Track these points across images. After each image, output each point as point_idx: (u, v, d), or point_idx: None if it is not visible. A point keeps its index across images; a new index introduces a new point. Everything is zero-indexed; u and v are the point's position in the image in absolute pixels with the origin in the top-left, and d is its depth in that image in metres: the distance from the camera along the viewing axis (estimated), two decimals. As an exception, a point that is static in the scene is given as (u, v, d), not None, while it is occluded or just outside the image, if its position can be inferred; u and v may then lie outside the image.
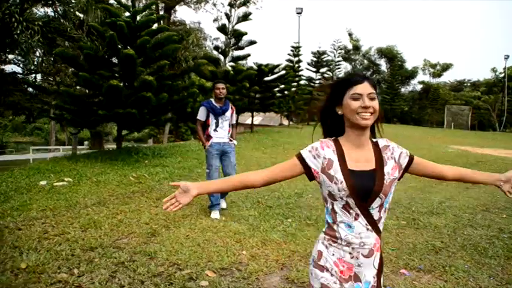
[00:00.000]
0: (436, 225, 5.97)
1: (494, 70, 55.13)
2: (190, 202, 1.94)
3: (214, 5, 35.34)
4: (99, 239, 4.89)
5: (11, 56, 18.10)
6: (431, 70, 56.76)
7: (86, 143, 36.07)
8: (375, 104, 1.83)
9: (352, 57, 59.90)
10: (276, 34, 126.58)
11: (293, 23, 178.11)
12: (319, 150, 1.88)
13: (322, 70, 35.65)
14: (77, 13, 13.11)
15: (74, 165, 9.56)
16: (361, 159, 1.86)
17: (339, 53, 41.92)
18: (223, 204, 6.62)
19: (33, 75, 18.43)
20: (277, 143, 16.66)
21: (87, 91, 11.19)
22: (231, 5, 18.91)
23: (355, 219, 1.82)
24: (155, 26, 11.99)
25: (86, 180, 8.19)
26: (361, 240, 1.82)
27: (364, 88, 1.82)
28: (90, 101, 10.77)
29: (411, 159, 1.97)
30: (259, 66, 20.67)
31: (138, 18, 11.27)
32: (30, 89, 17.43)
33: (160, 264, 4.24)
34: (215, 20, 19.29)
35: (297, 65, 29.62)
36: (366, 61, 60.65)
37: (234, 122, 6.72)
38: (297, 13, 37.87)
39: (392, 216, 6.39)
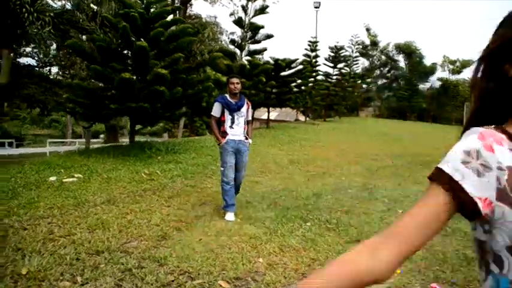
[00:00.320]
0: (465, 232, 5.54)
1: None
2: None
3: (231, -1, 35.02)
4: (106, 242, 4.60)
5: (28, 49, 18.10)
6: (451, 67, 55.63)
7: (101, 136, 36.04)
8: None
9: (370, 52, 59.05)
10: (292, 29, 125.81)
11: (310, 18, 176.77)
12: (486, 155, 0.91)
13: (340, 65, 35.07)
14: (91, 5, 12.85)
15: (85, 161, 9.31)
16: None
17: (357, 49, 41.22)
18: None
19: (48, 68, 18.32)
20: (293, 139, 16.28)
21: (100, 84, 10.89)
22: (247, -3, 18.53)
23: None
24: (170, 17, 11.63)
25: (96, 177, 7.92)
26: None
27: None
28: (103, 94, 10.51)
29: None
30: (276, 60, 20.29)
31: (152, 9, 10.96)
32: (45, 82, 17.27)
33: (170, 271, 3.92)
34: (231, 14, 18.86)
35: (314, 60, 29.14)
36: (383, 57, 59.75)
37: (249, 118, 6.40)
38: (315, 7, 37.32)
39: (417, 220, 6.00)
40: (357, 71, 40.18)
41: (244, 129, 6.20)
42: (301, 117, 37.39)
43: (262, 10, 18.49)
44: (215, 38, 29.35)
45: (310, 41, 29.41)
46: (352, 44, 39.29)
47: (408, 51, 56.35)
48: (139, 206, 6.13)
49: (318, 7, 37.26)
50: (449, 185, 0.91)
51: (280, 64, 20.16)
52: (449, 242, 5.16)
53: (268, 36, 18.92)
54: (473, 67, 1.05)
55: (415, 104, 50.94)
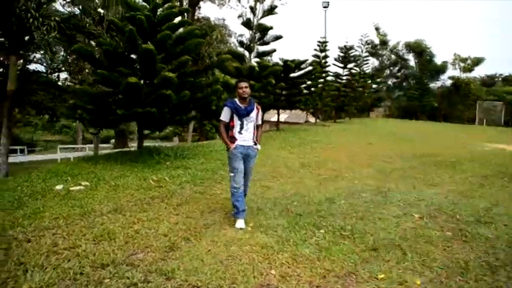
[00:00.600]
0: (486, 238, 5.30)
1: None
2: None
3: (239, 0, 34.92)
4: (112, 254, 4.42)
5: (38, 56, 18.06)
6: (462, 65, 54.97)
7: (112, 141, 36.09)
8: None
9: (380, 52, 58.69)
10: (301, 29, 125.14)
11: (319, 18, 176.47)
12: None
13: (350, 66, 34.76)
14: (98, 9, 12.72)
15: (92, 168, 9.16)
16: None
17: (366, 48, 40.89)
18: None
19: (56, 74, 18.25)
20: (304, 142, 16.04)
21: (107, 89, 10.73)
22: (255, -2, 18.30)
23: None
24: (177, 20, 11.44)
25: (103, 184, 7.76)
26: None
27: None
28: (109, 99, 10.34)
29: None
30: (285, 62, 20.12)
31: (159, 12, 10.79)
32: (53, 89, 17.22)
33: (178, 285, 3.75)
34: (240, 16, 18.66)
35: (323, 61, 28.89)
36: (393, 56, 59.35)
37: (259, 122, 6.18)
38: (324, 7, 37.16)
39: (436, 226, 5.76)
40: (367, 71, 39.82)
41: (254, 134, 6.00)
42: (311, 119, 37.16)
43: (270, 11, 18.26)
44: (224, 41, 29.27)
45: (319, 41, 29.17)
46: (362, 44, 39.02)
47: (418, 49, 55.90)
48: (147, 215, 5.94)
49: (327, 7, 37.11)
50: None
51: (290, 65, 19.98)
52: (470, 248, 4.91)
53: (277, 37, 18.68)
54: None
55: (426, 103, 50.40)
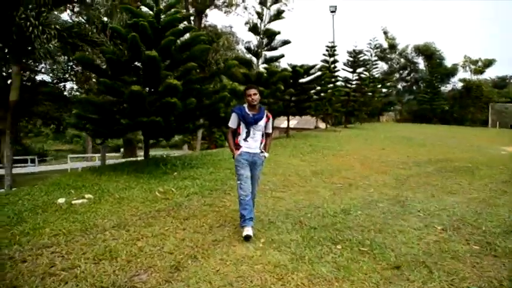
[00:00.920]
0: (518, 252, 4.88)
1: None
2: None
3: (246, 8, 34.80)
4: (112, 275, 4.10)
5: (46, 66, 17.91)
6: (473, 67, 54.39)
7: (122, 150, 35.91)
8: None
9: (388, 56, 58.30)
10: (309, 35, 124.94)
11: (327, 22, 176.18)
12: None
13: (359, 70, 34.32)
14: (102, 17, 12.48)
15: (97, 179, 8.86)
16: None
17: (375, 52, 40.45)
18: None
19: (62, 84, 18.08)
20: (315, 149, 15.63)
21: (111, 98, 10.43)
22: (262, 3, 17.97)
23: None
24: (182, 25, 11.13)
25: (107, 197, 7.43)
26: None
27: None
28: (114, 109, 10.03)
29: None
30: (294, 67, 19.75)
31: (163, 18, 10.49)
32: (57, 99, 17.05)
33: (183, 313, 3.38)
34: (247, 23, 18.33)
35: (332, 66, 28.51)
36: (402, 60, 59.01)
37: (269, 131, 5.87)
38: (331, 11, 36.81)
39: (461, 239, 5.35)
40: (376, 75, 39.35)
41: (261, 142, 5.71)
42: (321, 125, 36.75)
43: (277, 15, 17.93)
44: (231, 47, 29.02)
45: (327, 46, 28.80)
46: (371, 48, 38.54)
47: (428, 53, 55.52)
48: (152, 230, 5.59)
49: (334, 11, 36.77)
50: None
51: (299, 71, 19.61)
52: (501, 265, 4.51)
53: (285, 42, 18.33)
54: None
55: (437, 106, 49.81)
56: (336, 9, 36.94)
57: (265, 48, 18.48)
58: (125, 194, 7.62)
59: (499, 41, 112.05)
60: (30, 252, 4.75)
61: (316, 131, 28.49)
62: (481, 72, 54.48)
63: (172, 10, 10.85)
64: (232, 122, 5.66)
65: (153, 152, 21.75)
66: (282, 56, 18.95)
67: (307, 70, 20.71)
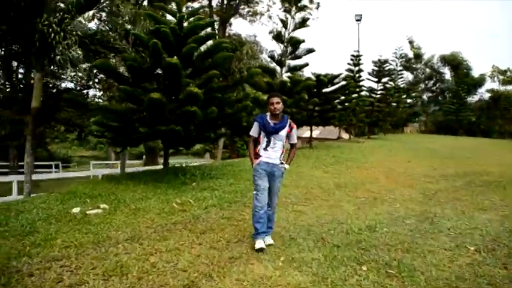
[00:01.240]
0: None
1: None
2: None
3: (270, 17, 34.70)
4: (121, 294, 3.83)
5: (70, 73, 18.05)
6: (501, 77, 53.07)
7: (144, 157, 35.97)
8: None
9: (414, 66, 57.53)
10: (333, 44, 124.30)
11: (351, 31, 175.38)
12: None
13: (384, 80, 33.82)
14: (125, 24, 12.40)
15: (114, 188, 8.68)
16: None
17: (401, 62, 39.86)
18: (269, 240, 5.46)
19: (86, 90, 18.15)
20: (339, 160, 15.26)
21: (131, 106, 10.28)
22: (286, 11, 17.76)
23: None
24: (204, 32, 10.94)
25: (123, 208, 7.22)
26: None
27: None
28: (134, 117, 9.86)
29: None
30: (318, 76, 19.46)
31: (185, 25, 10.31)
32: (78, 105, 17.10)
33: None
34: (271, 32, 18.09)
35: (357, 75, 28.08)
36: (428, 70, 58.16)
37: (293, 141, 5.65)
38: (356, 20, 36.42)
39: (497, 262, 4.94)
40: (402, 85, 38.73)
41: (282, 153, 5.46)
42: (344, 135, 36.29)
43: (302, 23, 17.69)
44: (254, 56, 28.85)
45: (353, 55, 28.39)
46: (396, 57, 37.97)
47: (454, 62, 54.64)
48: (167, 244, 5.34)
49: (360, 20, 36.36)
50: None
51: (323, 80, 19.31)
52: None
53: (310, 51, 18.05)
54: None
55: (463, 117, 48.73)
56: (361, 17, 36.56)
57: (289, 57, 18.25)
58: (141, 205, 7.40)
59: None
60: (39, 266, 4.56)
61: (339, 142, 28.08)
62: (510, 82, 53.12)
63: (195, 17, 10.65)
64: (254, 131, 5.49)
65: (174, 160, 21.66)
66: (306, 64, 18.67)
67: (331, 79, 20.40)
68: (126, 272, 4.39)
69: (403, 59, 43.37)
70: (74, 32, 10.20)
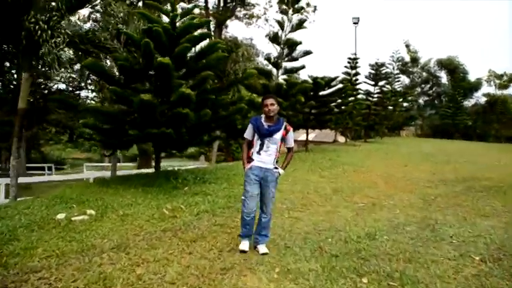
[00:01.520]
0: None
1: None
2: None
3: (267, 20, 34.41)
4: (101, 311, 3.52)
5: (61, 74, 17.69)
6: (497, 81, 53.15)
7: (138, 159, 35.61)
8: None
9: (410, 69, 57.50)
10: (329, 47, 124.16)
11: (348, 34, 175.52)
12: None
13: (381, 83, 33.65)
14: (117, 24, 12.06)
15: (102, 193, 8.36)
16: None
17: (398, 65, 39.73)
18: (264, 249, 5.18)
19: (77, 92, 17.82)
20: (335, 164, 14.98)
21: (123, 108, 9.96)
22: (283, 12, 17.50)
23: None
24: (198, 33, 10.62)
25: (110, 214, 6.89)
26: None
27: None
28: (127, 119, 9.52)
29: None
30: (315, 79, 19.21)
31: (178, 24, 9.99)
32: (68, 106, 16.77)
33: None
34: (267, 35, 17.83)
35: (354, 78, 27.91)
36: (424, 73, 58.18)
37: (290, 145, 5.41)
38: (354, 23, 36.19)
39: (505, 274, 4.63)
40: (398, 89, 38.59)
41: (276, 157, 5.22)
42: (340, 138, 36.09)
43: (299, 25, 17.45)
44: (250, 59, 28.57)
45: (350, 58, 28.27)
46: (393, 61, 37.83)
47: (451, 67, 54.72)
48: (155, 254, 5.02)
49: (357, 23, 36.15)
50: None
51: (320, 83, 19.06)
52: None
53: (307, 53, 17.79)
54: None
55: (460, 121, 48.71)
56: (358, 21, 36.34)
57: (286, 59, 18.02)
58: (129, 211, 7.08)
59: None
60: (15, 278, 4.24)
61: (335, 145, 27.83)
62: (506, 87, 53.19)
63: (189, 16, 10.33)
64: (248, 133, 5.29)
65: (168, 163, 21.32)
66: (303, 67, 18.44)
67: (328, 82, 20.18)
68: (109, 285, 4.09)
69: (400, 63, 43.22)
70: (63, 31, 9.87)
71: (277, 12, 18.15)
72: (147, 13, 9.89)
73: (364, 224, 6.80)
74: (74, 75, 18.19)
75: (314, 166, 14.01)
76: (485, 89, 55.63)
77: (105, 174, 17.29)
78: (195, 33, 10.28)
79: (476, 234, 6.27)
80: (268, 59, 18.15)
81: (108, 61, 13.39)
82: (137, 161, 34.37)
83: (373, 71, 33.08)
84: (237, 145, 30.04)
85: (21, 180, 18.22)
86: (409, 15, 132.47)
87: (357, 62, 28.13)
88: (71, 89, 17.59)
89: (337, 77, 21.29)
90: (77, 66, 15.94)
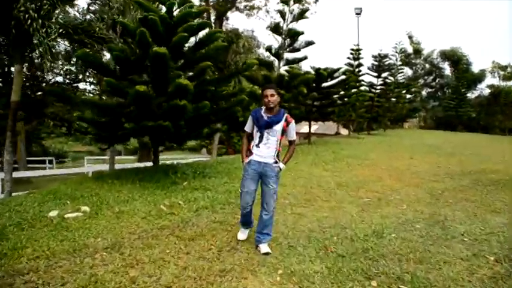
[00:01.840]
0: None
1: None
2: None
3: (268, 11, 33.99)
4: (90, 319, 3.24)
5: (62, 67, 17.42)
6: (502, 73, 52.50)
7: (138, 152, 35.35)
8: None
9: (413, 61, 56.97)
10: (332, 38, 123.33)
11: (350, 25, 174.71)
12: None
13: (384, 75, 33.24)
14: (113, 14, 11.71)
15: (98, 188, 8.07)
16: None
17: (401, 56, 39.24)
18: (266, 248, 4.91)
19: (75, 84, 17.50)
20: (338, 157, 14.65)
21: (120, 100, 9.64)
22: (284, 1, 17.08)
23: None
24: (197, 21, 10.26)
25: (105, 210, 6.61)
26: None
27: None
28: (124, 111, 9.18)
29: None
30: (317, 70, 18.81)
31: (175, 13, 9.63)
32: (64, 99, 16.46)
33: None
34: (269, 26, 17.47)
35: (357, 69, 27.53)
36: (427, 65, 57.59)
37: (292, 137, 5.09)
38: (356, 14, 35.76)
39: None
40: (401, 81, 38.16)
41: (277, 150, 4.93)
42: (342, 131, 35.75)
43: (301, 15, 17.06)
44: (251, 50, 28.21)
45: (352, 49, 27.83)
46: (396, 52, 37.32)
47: (454, 58, 54.12)
48: (150, 254, 4.74)
49: (360, 14, 35.72)
50: None
51: (322, 74, 18.66)
52: None
53: (309, 43, 17.40)
54: None
55: (463, 113, 48.23)
56: (361, 11, 35.91)
57: (288, 50, 17.65)
58: (125, 207, 6.79)
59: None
60: (0, 281, 3.95)
61: (337, 137, 27.52)
62: (510, 78, 52.55)
63: (187, 4, 9.96)
64: (248, 126, 5.08)
65: (169, 156, 21.00)
66: (305, 57, 18.03)
67: (331, 73, 19.78)
68: (100, 288, 3.81)
69: (403, 54, 42.71)
70: (55, 20, 9.53)
71: (278, 3, 17.70)
72: (144, 2, 9.51)
73: (371, 220, 6.50)
74: (72, 68, 17.83)
75: (317, 159, 13.71)
76: (489, 80, 55.04)
77: (105, 168, 17.07)
78: (193, 22, 9.92)
79: (488, 232, 5.97)
80: (269, 49, 17.76)
81: (106, 53, 13.12)
82: (138, 154, 34.16)
83: (376, 63, 32.65)
84: (239, 138, 29.73)
85: (22, 174, 18.02)
86: (412, 6, 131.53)
87: (359, 53, 27.72)
88: (68, 81, 17.29)
89: (340, 68, 20.84)
90: (75, 59, 15.63)
